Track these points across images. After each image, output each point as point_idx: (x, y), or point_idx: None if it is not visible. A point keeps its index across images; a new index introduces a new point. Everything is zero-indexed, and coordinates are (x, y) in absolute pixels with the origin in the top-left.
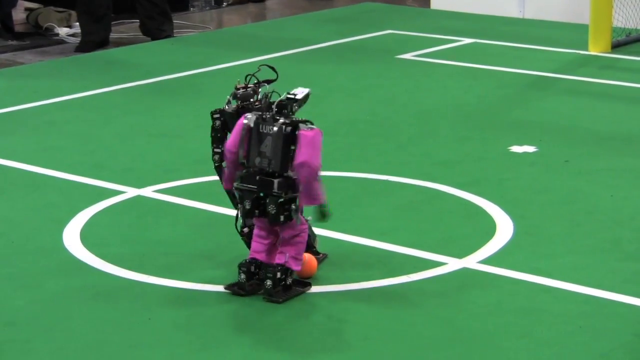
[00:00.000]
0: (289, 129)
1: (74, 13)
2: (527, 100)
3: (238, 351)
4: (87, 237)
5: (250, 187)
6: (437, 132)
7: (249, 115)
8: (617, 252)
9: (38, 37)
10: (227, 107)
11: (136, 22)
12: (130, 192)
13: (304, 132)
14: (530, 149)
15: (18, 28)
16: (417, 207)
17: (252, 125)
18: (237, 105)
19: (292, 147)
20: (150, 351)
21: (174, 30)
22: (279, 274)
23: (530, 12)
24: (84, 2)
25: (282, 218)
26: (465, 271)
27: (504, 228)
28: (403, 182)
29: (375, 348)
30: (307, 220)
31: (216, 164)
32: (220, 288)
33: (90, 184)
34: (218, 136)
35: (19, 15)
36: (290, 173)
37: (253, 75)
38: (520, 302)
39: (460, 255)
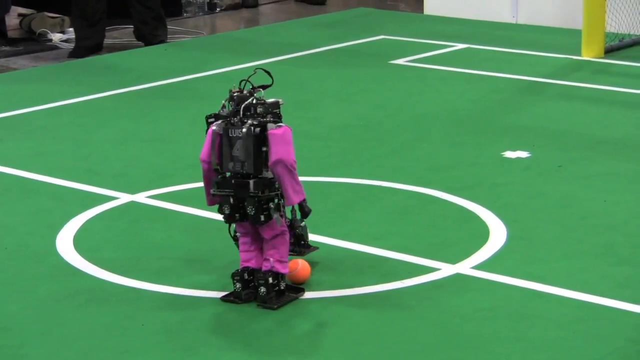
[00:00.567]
0: (257, 129)
1: (67, 18)
2: (520, 105)
3: (230, 356)
4: (81, 242)
5: (227, 191)
6: (431, 137)
7: (216, 122)
8: (611, 256)
9: (31, 42)
10: (222, 112)
11: (130, 28)
12: (124, 197)
13: (272, 131)
14: (523, 154)
15: (11, 34)
16: (410, 212)
17: (220, 131)
18: (233, 109)
19: (264, 148)
20: (144, 357)
21: (168, 36)
22: (270, 280)
23: (524, 17)
24: (78, 7)
25: (262, 218)
26: (458, 276)
27: (497, 233)
28: (396, 187)
29: (368, 353)
30: (297, 219)
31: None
32: (214, 294)
33: (83, 190)
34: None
35: (12, 20)
36: (265, 173)
37: (247, 80)
38: (513, 307)
39: (453, 260)
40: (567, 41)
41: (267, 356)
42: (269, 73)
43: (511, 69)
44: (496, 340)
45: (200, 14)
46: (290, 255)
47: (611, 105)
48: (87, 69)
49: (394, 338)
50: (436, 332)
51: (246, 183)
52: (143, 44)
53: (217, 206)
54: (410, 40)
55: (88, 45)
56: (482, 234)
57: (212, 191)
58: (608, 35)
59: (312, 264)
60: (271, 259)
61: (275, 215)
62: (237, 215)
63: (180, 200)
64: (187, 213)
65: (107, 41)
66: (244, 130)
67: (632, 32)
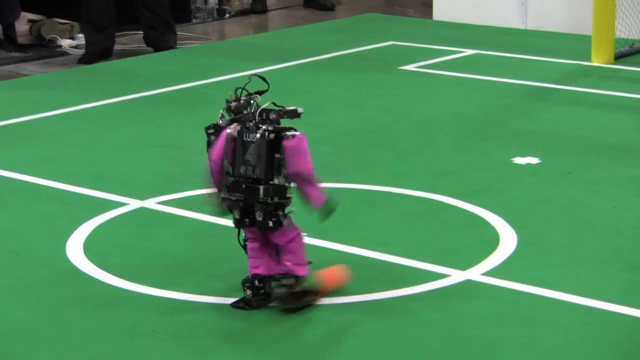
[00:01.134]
0: (272, 135)
1: (76, 25)
2: (528, 110)
3: None
4: (89, 248)
5: (237, 195)
6: (439, 143)
7: (232, 125)
8: (619, 262)
9: (41, 48)
10: (220, 122)
11: (139, 34)
12: (133, 203)
13: (287, 143)
14: (532, 159)
15: (21, 40)
16: (419, 218)
17: (235, 135)
18: (231, 119)
19: (277, 155)
20: None
21: (177, 41)
22: (289, 281)
23: (532, 23)
24: (87, 13)
25: (270, 224)
26: (468, 283)
27: (506, 239)
28: (404, 192)
29: None
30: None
31: None
32: (223, 300)
33: (92, 195)
34: None
35: (21, 26)
36: (276, 180)
37: (243, 88)
38: (522, 313)
39: (463, 266)
40: (576, 47)
41: None
42: (264, 79)
43: (520, 74)
44: (505, 346)
45: (209, 19)
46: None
47: (620, 111)
48: (96, 74)
49: (404, 345)
50: (446, 338)
51: (256, 189)
52: (152, 49)
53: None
54: (418, 46)
55: (97, 51)
56: (491, 240)
57: (222, 195)
58: (618, 41)
59: (319, 270)
60: (288, 264)
61: (286, 222)
62: (246, 220)
63: (189, 206)
64: (195, 219)
65: (116, 47)
66: (258, 135)
67: None
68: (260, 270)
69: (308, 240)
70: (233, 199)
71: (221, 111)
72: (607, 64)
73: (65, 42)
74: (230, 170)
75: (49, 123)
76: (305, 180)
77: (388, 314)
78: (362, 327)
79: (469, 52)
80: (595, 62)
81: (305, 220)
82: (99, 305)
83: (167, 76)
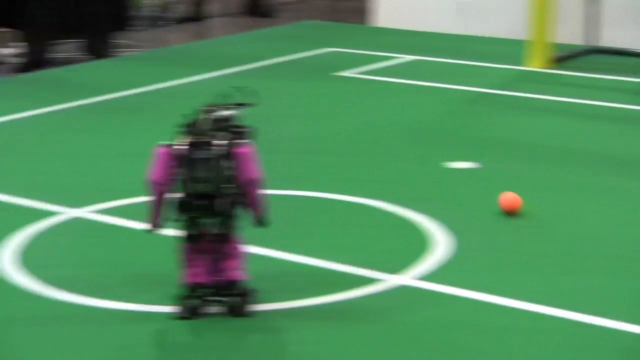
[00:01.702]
0: (223, 148)
1: (15, 32)
2: (468, 116)
3: None
4: (25, 259)
5: (193, 214)
6: (378, 149)
7: (172, 144)
8: (557, 266)
9: None
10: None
11: (80, 42)
12: (69, 212)
13: (239, 149)
14: (471, 164)
15: None
16: (358, 224)
17: (180, 153)
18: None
19: (228, 166)
20: None
21: (118, 49)
22: (236, 289)
23: (472, 28)
24: (26, 21)
25: (226, 233)
26: (404, 288)
27: (444, 244)
28: (343, 199)
29: None
30: None
31: None
32: (163, 309)
33: (27, 205)
34: None
35: None
36: (226, 190)
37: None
38: (460, 317)
39: (399, 271)
40: (515, 52)
41: None
42: (250, 94)
43: (460, 80)
44: (440, 350)
45: (150, 27)
46: None
47: (559, 115)
48: (36, 83)
49: (337, 350)
50: (380, 342)
51: (210, 203)
52: (93, 57)
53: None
54: (358, 52)
55: (37, 59)
56: (428, 245)
57: (173, 216)
58: (557, 46)
59: (259, 277)
60: (233, 269)
61: (236, 230)
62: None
63: (127, 214)
64: (132, 228)
65: (56, 55)
66: (210, 150)
67: (579, 43)
68: (202, 279)
69: (246, 248)
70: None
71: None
72: (546, 68)
73: (4, 51)
74: (183, 188)
75: None
76: (255, 187)
77: (323, 319)
78: (297, 332)
79: (409, 58)
80: (533, 67)
81: (245, 227)
82: (37, 318)
83: (108, 84)
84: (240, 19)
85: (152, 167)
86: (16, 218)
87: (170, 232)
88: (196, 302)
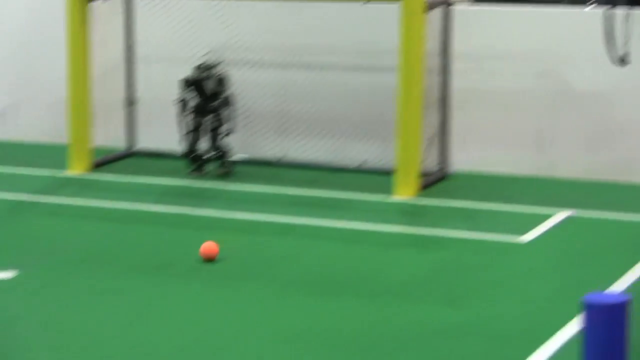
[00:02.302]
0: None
1: None
2: (6, 224)
3: None
4: None
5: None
6: None
7: None
8: None
9: None
10: None
11: None
12: None
13: None
14: (7, 274)
15: None
16: None
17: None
18: None
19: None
20: None
21: None
22: None
23: (11, 134)
24: None
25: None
26: None
27: None
28: None
29: None
30: None
31: None
32: None
33: None
34: None
35: None
36: None
37: None
38: None
39: None
40: (55, 157)
41: None
42: None
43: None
44: None
45: None
46: None
47: (99, 220)
48: None
49: None
50: None
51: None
52: None
53: None
54: None
55: None
56: None
57: None
58: (97, 150)
59: None
60: None
61: None
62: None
63: None
64: None
65: None
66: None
67: (119, 146)
68: None
69: None
70: None
71: None
72: (85, 173)
73: None
74: None
75: None
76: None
77: None
78: None
79: None
80: (73, 172)
81: None
82: None
83: None
84: None
85: None
86: None
87: None
88: None
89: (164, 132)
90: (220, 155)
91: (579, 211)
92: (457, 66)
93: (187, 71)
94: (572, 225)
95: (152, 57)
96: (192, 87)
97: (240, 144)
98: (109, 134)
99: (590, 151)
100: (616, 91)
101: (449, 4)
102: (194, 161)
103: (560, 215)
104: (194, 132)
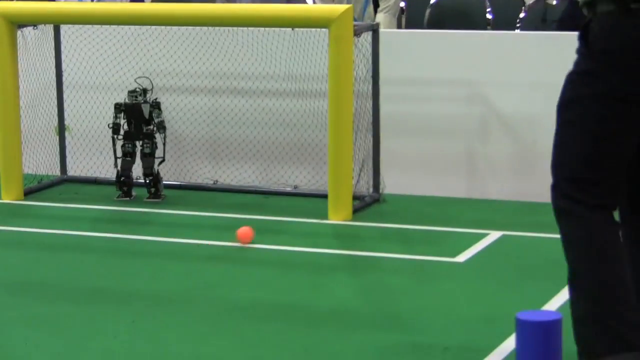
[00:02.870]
0: None
1: None
2: None
3: None
4: None
5: None
6: None
7: None
8: None
9: None
10: None
11: None
12: None
13: None
14: None
15: None
16: None
17: None
18: None
19: None
20: None
21: None
22: None
23: None
24: None
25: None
26: None
27: None
28: None
29: None
30: None
31: None
32: None
33: None
34: None
35: None
36: None
37: None
38: None
39: None
40: None
41: None
42: None
43: None
44: None
45: None
46: None
47: (32, 247)
48: None
49: None
50: None
51: None
52: None
53: None
54: None
55: None
56: None
57: None
58: (26, 177)
59: None
60: None
61: None
62: None
63: None
64: None
65: None
66: None
67: (50, 173)
68: None
69: None
70: None
71: None
72: (17, 200)
73: None
74: None
75: None
76: None
77: None
78: None
79: None
80: (5, 200)
81: None
82: None
83: None
84: None
85: None
86: None
87: None
88: None
89: (94, 159)
90: (152, 180)
91: (511, 232)
92: (386, 91)
93: (117, 98)
94: (505, 245)
95: (81, 84)
96: (125, 112)
97: (172, 170)
98: (40, 162)
99: (520, 174)
100: (545, 115)
101: (376, 30)
102: (123, 185)
103: (492, 236)
104: (126, 157)
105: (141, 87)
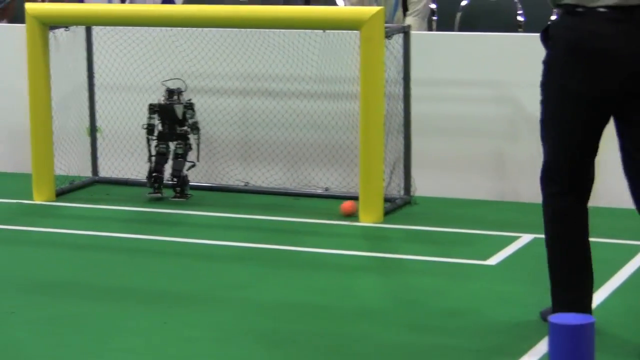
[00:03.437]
0: None
1: None
2: None
3: None
4: None
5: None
6: None
7: None
8: None
9: None
10: None
11: None
12: None
13: None
14: None
15: None
16: None
17: None
18: None
19: None
20: None
21: None
22: None
23: None
24: None
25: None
26: None
27: None
28: None
29: None
30: None
31: None
32: None
33: None
34: None
35: None
36: None
37: None
38: None
39: None
40: (18, 186)
41: None
42: None
43: None
44: None
45: None
46: None
47: (60, 248)
48: None
49: None
50: None
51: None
52: None
53: None
54: None
55: None
56: None
57: None
58: (58, 178)
59: None
60: None
61: None
62: None
63: None
64: None
65: None
66: None
67: (80, 175)
68: None
69: None
70: None
71: None
72: (49, 201)
73: None
74: None
75: None
76: None
77: None
78: None
79: None
80: (37, 201)
81: None
82: None
83: None
84: None
85: None
86: None
87: None
88: None
89: (125, 160)
90: (179, 181)
91: (543, 235)
92: (417, 92)
93: (148, 99)
94: (537, 248)
95: (113, 85)
96: (159, 112)
97: (202, 171)
98: (71, 163)
99: None
100: None
101: (407, 31)
102: (155, 182)
103: (524, 239)
104: (159, 157)
105: (174, 88)
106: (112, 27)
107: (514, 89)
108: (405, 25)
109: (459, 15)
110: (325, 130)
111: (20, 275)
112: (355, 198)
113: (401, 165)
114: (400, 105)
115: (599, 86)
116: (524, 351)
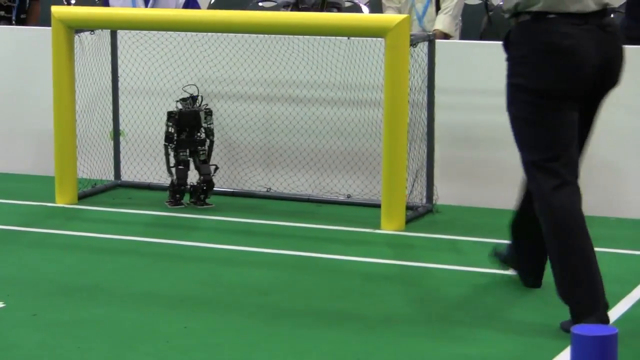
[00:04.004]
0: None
1: None
2: None
3: None
4: None
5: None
6: None
7: None
8: None
9: None
10: None
11: None
12: None
13: None
14: None
15: None
16: None
17: None
18: None
19: None
20: None
21: None
22: None
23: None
24: None
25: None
26: None
27: None
28: None
29: None
30: None
31: None
32: None
33: None
34: None
35: None
36: None
37: None
38: None
39: None
40: (41, 188)
41: None
42: None
43: None
44: None
45: None
46: None
47: (84, 250)
48: None
49: None
50: None
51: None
52: None
53: None
54: None
55: None
56: None
57: None
58: (80, 182)
59: None
60: None
61: None
62: None
63: None
64: None
65: None
66: None
67: (103, 178)
68: None
69: None
70: None
71: None
72: (71, 204)
73: None
74: None
75: None
76: None
77: None
78: None
79: None
80: (59, 203)
81: None
82: None
83: None
84: None
85: None
86: None
87: None
88: None
89: (148, 164)
90: (204, 187)
91: None
92: (441, 101)
93: (171, 104)
94: None
95: (137, 89)
96: (179, 119)
97: (225, 177)
98: (94, 166)
99: None
100: (598, 125)
101: (432, 40)
102: (177, 193)
103: None
104: (181, 166)
105: (194, 94)
106: (137, 32)
107: None
108: (431, 33)
109: (483, 22)
110: (348, 137)
111: (41, 278)
112: (377, 206)
113: (424, 173)
114: (424, 114)
115: (573, 81)
116: (549, 358)
